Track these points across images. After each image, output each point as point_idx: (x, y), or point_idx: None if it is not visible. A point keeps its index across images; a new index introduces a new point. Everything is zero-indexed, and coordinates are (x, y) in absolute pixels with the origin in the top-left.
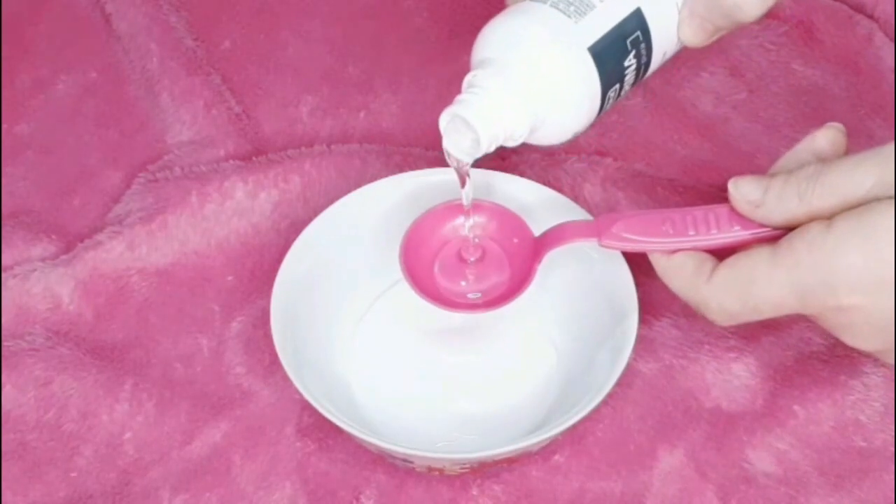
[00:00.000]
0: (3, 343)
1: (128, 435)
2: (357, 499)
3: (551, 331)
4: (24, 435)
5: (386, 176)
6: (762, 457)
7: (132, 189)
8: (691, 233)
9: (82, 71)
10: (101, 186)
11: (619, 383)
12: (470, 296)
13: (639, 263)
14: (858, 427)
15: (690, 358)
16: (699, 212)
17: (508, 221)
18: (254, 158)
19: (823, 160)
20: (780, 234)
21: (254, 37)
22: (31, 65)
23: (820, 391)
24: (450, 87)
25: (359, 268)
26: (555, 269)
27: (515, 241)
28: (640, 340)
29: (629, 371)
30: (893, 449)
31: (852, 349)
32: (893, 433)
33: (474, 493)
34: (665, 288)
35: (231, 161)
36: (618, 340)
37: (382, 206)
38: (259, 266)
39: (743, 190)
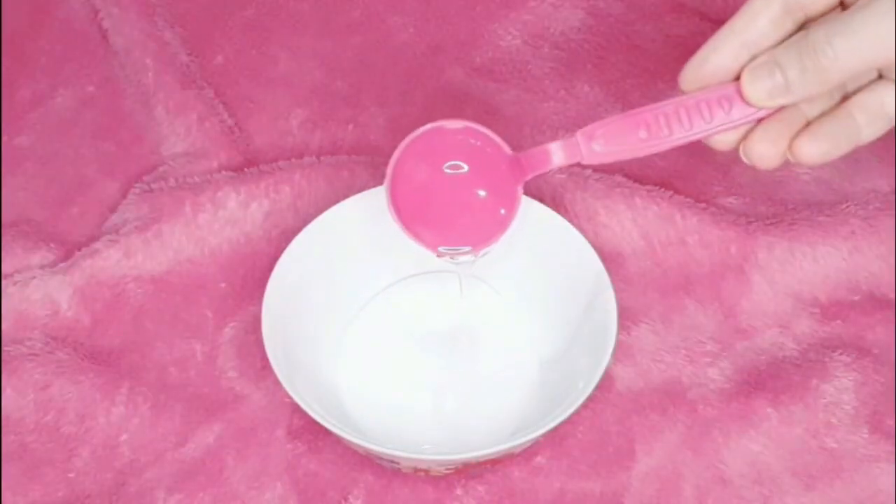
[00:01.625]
0: (4, 348)
1: (124, 437)
2: (346, 498)
3: (534, 337)
4: (24, 437)
5: (373, 186)
6: (737, 458)
7: (128, 199)
8: (665, 132)
9: (80, 85)
10: (99, 196)
11: (598, 387)
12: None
13: (618, 271)
14: (830, 429)
15: (667, 362)
16: (669, 106)
17: (482, 148)
18: (245, 169)
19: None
20: (742, 124)
21: (245, 52)
22: (31, 79)
23: (792, 395)
24: (434, 101)
25: (347, 275)
26: (538, 278)
27: (491, 168)
28: (619, 346)
29: (608, 375)
30: (863, 451)
31: (824, 354)
32: (866, 434)
33: (459, 493)
34: (643, 295)
35: (224, 172)
36: (597, 346)
37: (370, 215)
38: (251, 273)
39: (761, 81)
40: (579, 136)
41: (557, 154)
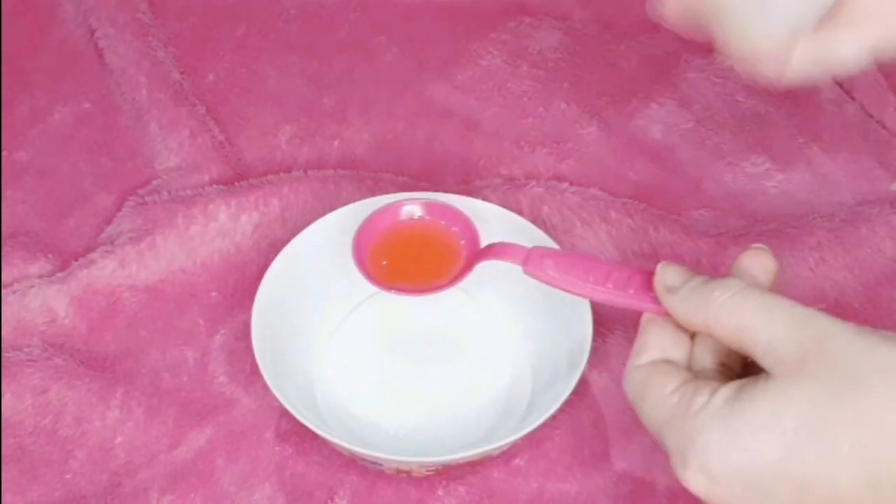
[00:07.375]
0: (4, 354)
1: (119, 439)
2: (332, 499)
3: (513, 344)
4: (23, 439)
5: (358, 199)
6: None
7: (123, 211)
8: (609, 286)
9: (77, 102)
10: (94, 209)
11: (574, 392)
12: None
13: None
14: None
15: None
16: (623, 270)
17: (466, 229)
18: (236, 183)
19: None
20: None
21: (236, 70)
22: (30, 97)
23: None
24: (418, 117)
25: (333, 284)
26: (516, 288)
27: (463, 243)
28: (594, 353)
29: (584, 381)
30: None
31: None
32: None
33: (440, 493)
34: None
35: (215, 185)
36: (574, 353)
37: (355, 227)
38: (241, 283)
39: (667, 273)
40: (534, 250)
41: (504, 255)
